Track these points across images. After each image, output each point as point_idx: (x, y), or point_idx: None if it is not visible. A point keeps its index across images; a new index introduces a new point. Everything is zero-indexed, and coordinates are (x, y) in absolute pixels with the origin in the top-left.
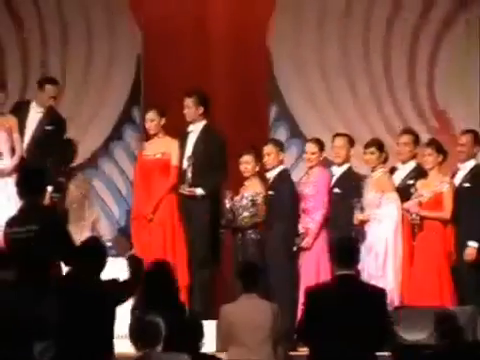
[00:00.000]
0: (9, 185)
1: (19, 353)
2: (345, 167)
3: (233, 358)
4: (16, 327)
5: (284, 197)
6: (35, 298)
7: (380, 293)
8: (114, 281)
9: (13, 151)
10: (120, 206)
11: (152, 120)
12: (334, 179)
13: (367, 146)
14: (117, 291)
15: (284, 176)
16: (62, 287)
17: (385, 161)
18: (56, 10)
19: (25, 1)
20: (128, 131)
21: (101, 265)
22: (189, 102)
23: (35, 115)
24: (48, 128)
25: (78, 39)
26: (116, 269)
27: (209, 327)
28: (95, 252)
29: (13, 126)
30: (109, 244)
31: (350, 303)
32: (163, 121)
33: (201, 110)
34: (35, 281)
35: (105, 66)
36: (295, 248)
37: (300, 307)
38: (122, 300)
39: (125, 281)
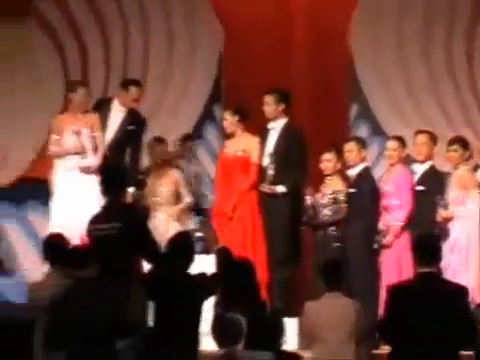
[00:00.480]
0: (94, 182)
1: (101, 350)
2: (428, 164)
3: (316, 356)
4: (98, 324)
5: (365, 194)
6: (118, 295)
7: (463, 291)
8: (203, 275)
9: (95, 149)
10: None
11: (226, 119)
12: (417, 176)
13: (450, 143)
14: (206, 285)
15: (365, 173)
16: (149, 283)
17: (469, 159)
18: (137, 6)
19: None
20: (209, 129)
21: (190, 259)
22: (268, 99)
23: (117, 114)
24: (130, 128)
25: (159, 37)
26: (202, 265)
27: (290, 324)
28: (186, 246)
29: (95, 124)
30: (198, 235)
31: (432, 301)
32: (237, 119)
33: (281, 107)
34: (118, 278)
35: (186, 64)
36: (376, 245)
37: (381, 305)
38: (210, 294)
39: (213, 274)
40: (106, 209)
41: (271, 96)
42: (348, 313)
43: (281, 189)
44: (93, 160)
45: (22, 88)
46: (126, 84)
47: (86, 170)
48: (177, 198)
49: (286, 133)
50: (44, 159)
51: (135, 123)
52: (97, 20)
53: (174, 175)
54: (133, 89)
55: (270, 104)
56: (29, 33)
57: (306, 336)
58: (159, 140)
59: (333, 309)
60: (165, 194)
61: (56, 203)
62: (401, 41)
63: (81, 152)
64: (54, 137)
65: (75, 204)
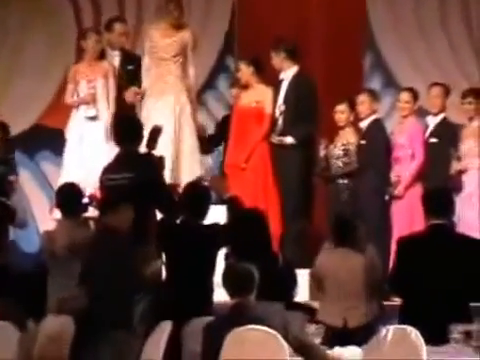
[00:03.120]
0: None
1: (119, 301)
2: (441, 117)
3: (325, 310)
4: (114, 276)
5: (377, 146)
6: (131, 246)
7: (475, 244)
8: (216, 225)
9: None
10: (214, 154)
11: (240, 70)
12: (430, 129)
13: (465, 96)
14: (219, 235)
15: (377, 125)
16: (163, 233)
17: None
18: None
19: None
20: (222, 80)
21: (205, 210)
22: (272, 52)
23: (113, 59)
24: (130, 68)
25: None
26: (214, 216)
27: (302, 276)
28: (201, 197)
29: (109, 72)
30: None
31: (443, 253)
32: (251, 70)
33: (282, 57)
34: (133, 229)
35: (200, 14)
36: (387, 197)
37: (392, 256)
38: (223, 244)
39: (226, 224)
40: (119, 159)
41: (274, 49)
42: (358, 268)
43: (290, 140)
44: (101, 110)
45: (37, 38)
46: (109, 24)
47: (94, 119)
48: None
49: (295, 83)
50: (58, 108)
51: (132, 62)
52: None
53: None
54: (117, 25)
55: (273, 56)
56: None
57: (315, 289)
58: None
59: (343, 264)
60: None
61: (68, 153)
62: None
63: (92, 101)
64: (70, 86)
65: (86, 155)
